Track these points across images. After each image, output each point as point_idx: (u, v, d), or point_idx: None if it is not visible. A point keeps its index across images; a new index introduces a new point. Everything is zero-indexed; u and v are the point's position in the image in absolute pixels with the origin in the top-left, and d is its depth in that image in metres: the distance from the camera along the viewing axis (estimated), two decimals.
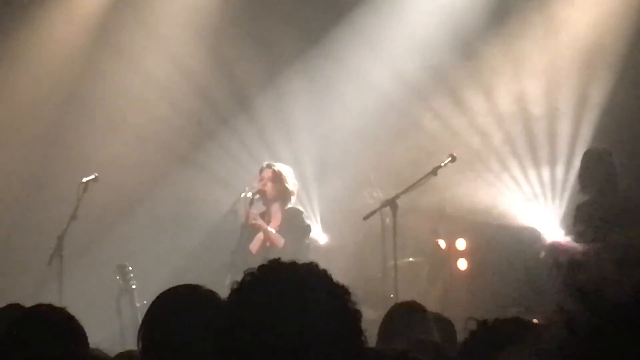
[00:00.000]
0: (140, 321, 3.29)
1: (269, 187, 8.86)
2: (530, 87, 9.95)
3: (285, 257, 2.40)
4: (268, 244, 8.73)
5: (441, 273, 10.21)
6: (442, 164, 8.72)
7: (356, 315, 2.33)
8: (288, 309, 2.27)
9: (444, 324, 4.70)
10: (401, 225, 8.85)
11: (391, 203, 8.66)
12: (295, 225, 8.79)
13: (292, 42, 10.61)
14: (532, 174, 10.02)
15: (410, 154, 10.04)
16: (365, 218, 8.81)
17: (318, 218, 10.29)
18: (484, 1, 10.20)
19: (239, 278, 2.37)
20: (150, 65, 10.75)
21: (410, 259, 9.95)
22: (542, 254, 8.35)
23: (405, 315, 4.66)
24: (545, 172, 9.94)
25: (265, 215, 8.96)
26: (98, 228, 10.44)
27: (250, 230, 8.86)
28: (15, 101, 10.80)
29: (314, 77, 10.65)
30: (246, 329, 2.28)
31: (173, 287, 3.33)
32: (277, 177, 8.86)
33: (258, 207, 8.99)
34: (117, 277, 8.94)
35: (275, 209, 8.93)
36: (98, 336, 4.19)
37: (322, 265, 2.41)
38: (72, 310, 3.53)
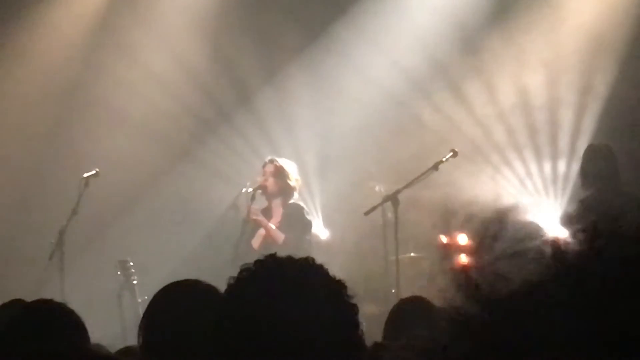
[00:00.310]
0: (141, 316, 3.29)
1: (270, 182, 8.86)
2: (532, 80, 9.94)
3: (286, 253, 2.39)
4: (269, 240, 8.74)
5: (442, 268, 10.19)
6: (444, 159, 8.72)
7: (353, 310, 2.33)
8: (284, 303, 2.27)
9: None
10: (403, 220, 8.85)
11: (393, 198, 8.66)
12: (296, 221, 8.79)
13: (293, 37, 10.60)
14: (534, 168, 10.01)
15: (412, 149, 10.03)
16: (367, 213, 8.81)
17: (319, 213, 10.29)
18: None
19: None
20: (152, 61, 10.74)
21: (412, 254, 9.95)
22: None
23: (411, 311, 4.65)
24: (547, 167, 9.93)
25: (267, 211, 8.96)
26: (99, 223, 10.44)
27: (252, 225, 8.86)
28: (17, 97, 10.79)
29: (316, 72, 10.64)
30: (243, 323, 2.28)
31: (174, 282, 3.33)
32: (279, 173, 8.86)
33: (261, 202, 8.99)
34: (119, 273, 8.94)
35: (277, 204, 8.93)
36: (99, 331, 4.20)
37: (324, 260, 2.41)
38: (73, 305, 3.53)
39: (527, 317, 0.87)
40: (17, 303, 4.10)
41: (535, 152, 10.01)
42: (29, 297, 3.86)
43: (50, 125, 10.80)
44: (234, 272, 2.39)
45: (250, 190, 8.94)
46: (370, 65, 10.47)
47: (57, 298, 3.69)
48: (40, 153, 10.77)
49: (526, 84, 9.97)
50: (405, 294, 6.45)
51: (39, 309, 3.46)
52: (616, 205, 7.45)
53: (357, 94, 10.52)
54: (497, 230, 0.96)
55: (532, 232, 0.97)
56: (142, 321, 3.21)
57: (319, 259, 2.42)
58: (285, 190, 8.88)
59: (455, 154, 8.78)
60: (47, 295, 4.29)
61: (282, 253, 2.41)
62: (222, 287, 3.08)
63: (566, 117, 9.83)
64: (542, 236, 0.97)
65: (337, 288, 2.34)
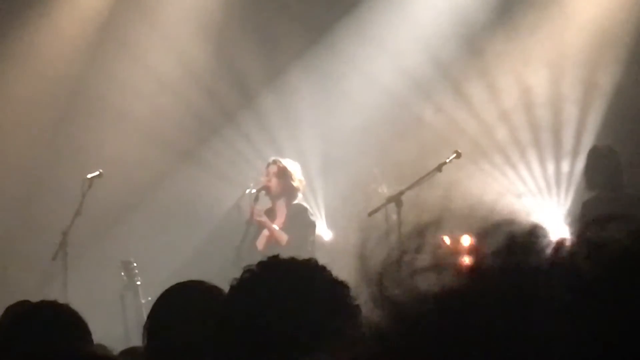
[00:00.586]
0: (144, 317, 3.29)
1: (273, 182, 8.86)
2: (536, 80, 9.93)
3: (289, 254, 2.39)
4: (273, 241, 8.73)
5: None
6: (447, 160, 8.71)
7: (355, 311, 2.33)
8: (286, 304, 2.27)
9: None
10: (406, 221, 8.84)
11: (396, 199, 8.65)
12: (299, 222, 8.78)
13: (296, 38, 10.60)
14: (537, 169, 10.00)
15: (415, 150, 10.02)
16: (371, 214, 8.80)
17: (323, 214, 10.28)
18: None
19: None
20: (155, 61, 10.74)
21: (436, 255, 9.93)
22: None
23: None
24: (551, 167, 9.92)
25: (271, 212, 8.96)
26: (103, 224, 10.44)
27: (255, 226, 8.86)
28: (20, 97, 10.80)
29: (319, 72, 10.64)
30: (245, 324, 2.28)
31: (179, 283, 3.33)
32: (283, 173, 8.85)
33: (265, 203, 8.99)
34: (122, 273, 8.95)
35: (281, 205, 8.92)
36: (102, 332, 4.19)
37: (327, 261, 2.40)
38: (77, 306, 3.52)
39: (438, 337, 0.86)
40: (24, 304, 4.10)
41: (539, 152, 9.99)
42: (33, 298, 3.85)
43: (53, 125, 10.80)
44: (237, 273, 2.39)
45: (253, 191, 8.94)
46: (374, 66, 10.46)
47: (60, 298, 3.69)
48: (43, 153, 10.78)
49: (530, 84, 9.96)
50: None
51: (43, 310, 3.46)
52: (619, 207, 7.45)
53: (360, 95, 10.51)
54: (417, 245, 0.95)
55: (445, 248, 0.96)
56: (147, 322, 3.21)
57: (322, 260, 2.42)
58: (288, 191, 8.87)
59: (458, 155, 8.77)
60: (50, 295, 4.29)
61: (285, 254, 2.41)
62: (225, 288, 3.08)
63: (570, 117, 9.82)
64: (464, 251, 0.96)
65: (340, 290, 2.34)
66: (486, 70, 10.09)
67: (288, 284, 2.31)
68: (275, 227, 8.81)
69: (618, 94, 9.60)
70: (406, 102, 10.35)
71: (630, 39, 9.63)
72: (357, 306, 2.34)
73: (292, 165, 8.96)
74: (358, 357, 0.90)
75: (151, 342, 3.15)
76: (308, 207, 9.09)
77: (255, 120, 10.78)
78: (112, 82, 10.75)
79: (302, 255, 2.41)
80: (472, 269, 0.91)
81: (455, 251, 0.93)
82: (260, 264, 2.35)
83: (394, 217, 8.82)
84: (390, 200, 8.73)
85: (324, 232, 10.08)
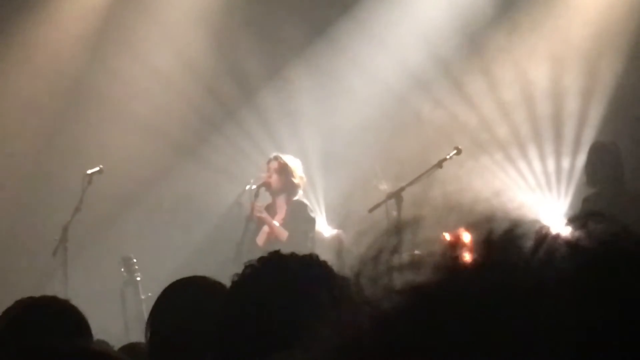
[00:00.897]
0: (144, 313, 3.29)
1: (274, 179, 8.86)
2: (538, 76, 9.92)
3: (289, 250, 2.39)
4: (273, 237, 8.74)
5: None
6: (448, 157, 8.72)
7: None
8: (288, 299, 2.27)
9: None
10: (406, 218, 8.83)
11: (396, 196, 8.65)
12: (299, 218, 8.79)
13: (297, 34, 10.59)
14: (537, 165, 9.99)
15: (416, 147, 10.02)
16: (371, 211, 8.80)
17: (323, 210, 10.28)
18: None
19: None
20: (156, 58, 10.74)
21: (416, 252, 9.94)
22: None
23: None
24: (552, 163, 9.91)
25: (271, 208, 8.96)
26: (102, 220, 10.44)
27: (256, 222, 8.86)
28: (21, 93, 10.79)
29: (320, 69, 10.63)
30: (246, 320, 2.28)
31: (182, 278, 3.33)
32: (283, 169, 8.85)
33: (265, 199, 8.99)
34: (122, 269, 8.96)
35: (281, 201, 8.92)
36: (102, 328, 4.19)
37: (327, 258, 2.40)
38: (76, 302, 3.52)
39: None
40: (27, 301, 4.09)
41: (540, 148, 9.99)
42: (33, 293, 3.85)
43: (53, 121, 10.80)
44: (238, 269, 2.39)
45: (254, 187, 8.94)
46: (374, 62, 10.45)
47: (61, 294, 3.68)
48: (43, 149, 10.77)
49: (531, 80, 9.95)
50: None
51: (43, 306, 3.45)
52: (620, 203, 7.45)
53: (360, 91, 10.51)
54: (395, 243, 0.95)
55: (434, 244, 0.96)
56: (149, 317, 3.21)
57: (323, 257, 2.42)
58: (289, 188, 8.87)
59: (459, 151, 8.77)
60: (50, 291, 4.29)
61: (285, 250, 2.41)
62: (225, 283, 3.08)
63: (572, 113, 9.81)
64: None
65: (342, 284, 2.34)
66: (487, 67, 10.08)
67: (290, 279, 2.31)
68: (276, 223, 8.82)
69: (620, 89, 9.59)
70: (407, 98, 10.34)
71: (632, 34, 9.62)
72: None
73: (293, 162, 8.95)
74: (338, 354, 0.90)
75: (154, 337, 3.15)
76: (308, 203, 9.09)
77: (255, 116, 10.78)
78: (113, 78, 10.74)
79: (302, 251, 2.40)
80: (449, 266, 0.91)
81: (451, 247, 0.93)
82: (262, 259, 2.35)
83: (395, 213, 8.82)
84: (390, 196, 8.73)
85: (324, 228, 10.08)
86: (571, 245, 0.85)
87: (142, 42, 10.76)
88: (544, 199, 9.86)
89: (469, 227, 0.91)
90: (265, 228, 8.85)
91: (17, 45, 10.75)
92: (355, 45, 10.53)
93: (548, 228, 0.88)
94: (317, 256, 2.37)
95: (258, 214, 8.82)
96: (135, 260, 8.97)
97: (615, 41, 9.64)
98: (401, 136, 10.37)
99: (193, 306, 3.16)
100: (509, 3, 10.09)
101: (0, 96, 10.77)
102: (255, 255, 2.44)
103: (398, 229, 0.92)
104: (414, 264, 0.90)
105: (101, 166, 9.06)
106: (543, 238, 0.86)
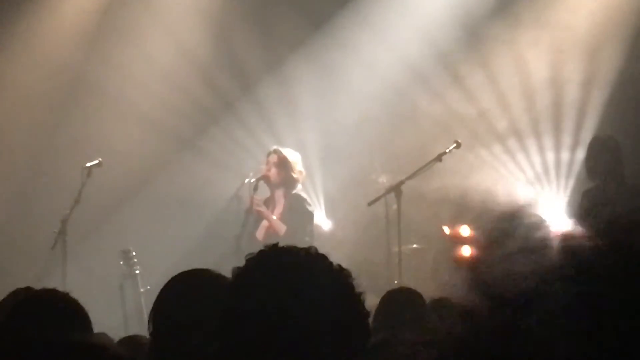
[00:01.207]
0: (143, 306, 3.29)
1: (273, 172, 8.85)
2: (537, 70, 9.91)
3: (288, 244, 2.40)
4: (272, 231, 8.74)
5: (447, 259, 10.19)
6: (447, 150, 8.72)
7: (359, 297, 2.34)
8: (288, 292, 2.28)
9: (448, 310, 4.68)
10: (406, 211, 8.84)
11: (396, 189, 8.65)
12: (297, 212, 8.78)
13: (297, 28, 10.59)
14: (538, 158, 9.99)
15: (415, 140, 10.02)
16: (370, 204, 8.80)
17: (322, 204, 10.28)
18: None
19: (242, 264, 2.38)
20: (155, 51, 10.73)
21: (415, 246, 9.95)
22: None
23: (400, 301, 4.70)
24: (552, 157, 9.91)
25: (270, 201, 8.96)
26: (102, 213, 10.45)
27: (255, 216, 8.85)
28: (20, 86, 10.79)
29: (319, 62, 10.62)
30: (247, 313, 2.29)
31: (184, 271, 3.33)
32: (282, 163, 8.85)
33: (265, 192, 8.98)
34: (121, 262, 8.96)
35: (280, 194, 8.92)
36: (102, 321, 4.19)
37: (326, 251, 2.41)
38: (76, 294, 3.52)
39: (537, 317, 0.86)
40: (25, 291, 4.09)
41: (540, 142, 9.99)
42: (32, 286, 3.85)
43: (53, 114, 10.80)
44: (237, 263, 2.40)
45: (253, 180, 8.93)
46: (374, 56, 10.45)
47: (60, 287, 3.68)
48: (43, 142, 10.77)
49: (531, 73, 9.94)
50: (408, 285, 6.45)
51: (42, 298, 3.45)
52: (620, 197, 7.45)
53: (360, 85, 10.50)
54: (508, 227, 0.96)
55: (541, 228, 0.97)
56: (152, 309, 3.21)
57: (322, 250, 2.42)
58: (288, 181, 8.87)
59: (458, 145, 8.77)
60: (49, 284, 4.29)
61: (283, 244, 2.41)
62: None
63: (572, 105, 9.81)
64: (549, 232, 0.96)
65: (343, 276, 2.36)
66: (487, 60, 10.08)
67: (289, 272, 2.32)
68: (274, 217, 8.81)
69: (620, 84, 9.58)
70: (406, 92, 10.34)
71: (633, 29, 9.61)
72: (361, 293, 2.35)
73: (293, 156, 8.94)
74: (453, 333, 0.92)
75: (156, 329, 3.16)
76: (306, 197, 9.08)
77: (255, 110, 10.78)
78: (112, 71, 10.74)
79: (301, 245, 2.41)
80: (566, 251, 0.93)
81: (543, 234, 0.95)
82: (262, 252, 2.37)
83: (394, 206, 8.83)
84: (390, 190, 8.74)
85: (323, 222, 10.09)
86: (566, 239, 0.87)
87: (142, 35, 10.75)
88: (544, 192, 9.86)
89: (474, 220, 0.93)
90: (265, 222, 8.85)
91: (17, 38, 10.74)
92: (355, 39, 10.53)
93: None
94: (316, 249, 2.39)
95: (257, 208, 8.81)
96: (134, 253, 8.97)
97: (616, 33, 9.63)
98: (401, 130, 10.37)
99: (195, 298, 3.16)
100: None
101: None
102: (255, 248, 2.45)
103: (511, 214, 0.94)
104: (527, 250, 0.92)
105: (100, 159, 9.06)
106: (547, 233, 0.88)
